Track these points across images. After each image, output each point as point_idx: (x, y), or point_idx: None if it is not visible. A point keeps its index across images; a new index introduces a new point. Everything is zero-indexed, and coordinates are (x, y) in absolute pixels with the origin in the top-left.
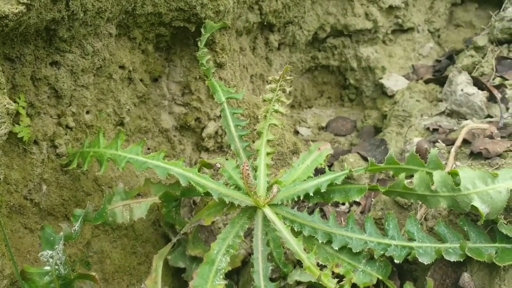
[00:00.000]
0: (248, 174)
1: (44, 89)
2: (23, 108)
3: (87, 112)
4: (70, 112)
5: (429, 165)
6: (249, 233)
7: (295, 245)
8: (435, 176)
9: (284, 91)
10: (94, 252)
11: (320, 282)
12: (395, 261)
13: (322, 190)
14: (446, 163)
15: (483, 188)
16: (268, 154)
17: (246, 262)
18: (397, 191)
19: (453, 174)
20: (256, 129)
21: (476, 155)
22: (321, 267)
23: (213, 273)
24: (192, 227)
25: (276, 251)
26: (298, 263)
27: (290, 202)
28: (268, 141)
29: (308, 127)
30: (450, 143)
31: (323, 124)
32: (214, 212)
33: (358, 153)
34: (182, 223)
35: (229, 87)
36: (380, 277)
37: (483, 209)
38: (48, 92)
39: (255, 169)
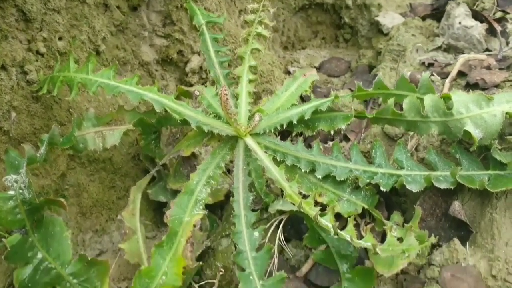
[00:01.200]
0: (227, 99)
1: (11, 11)
2: None
3: (60, 39)
4: (41, 37)
5: (420, 90)
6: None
7: (277, 174)
8: (426, 100)
9: (267, 11)
10: (70, 185)
11: (301, 210)
12: (382, 189)
13: (306, 118)
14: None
15: (477, 112)
16: (250, 81)
17: (230, 196)
18: (386, 117)
19: (446, 98)
20: (237, 55)
21: (472, 86)
22: (305, 197)
23: (192, 203)
24: (172, 158)
25: (257, 181)
26: (281, 192)
27: (273, 131)
28: (250, 67)
29: (300, 67)
30: (446, 76)
31: (316, 65)
32: (194, 142)
33: (350, 89)
34: (162, 157)
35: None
36: (366, 206)
37: (476, 134)
38: (16, 15)
39: (236, 97)
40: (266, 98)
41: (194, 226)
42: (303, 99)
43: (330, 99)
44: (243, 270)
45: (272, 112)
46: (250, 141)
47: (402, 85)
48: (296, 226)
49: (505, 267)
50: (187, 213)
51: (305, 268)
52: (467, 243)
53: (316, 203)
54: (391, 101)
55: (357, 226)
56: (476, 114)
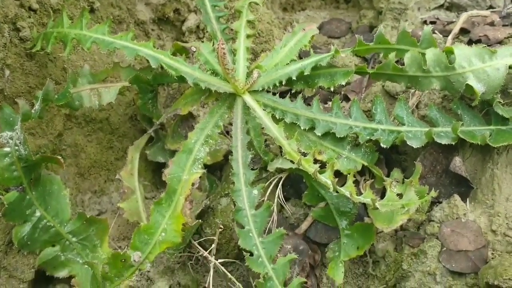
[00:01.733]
0: (224, 54)
1: None
2: None
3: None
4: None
5: (422, 45)
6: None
7: (276, 132)
8: (427, 54)
9: None
10: (68, 146)
11: (300, 168)
12: (382, 145)
13: (306, 73)
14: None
15: (480, 66)
16: (248, 36)
17: (229, 157)
18: (387, 73)
19: (448, 52)
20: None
21: (475, 43)
22: (304, 155)
23: (190, 161)
24: (170, 118)
25: (256, 140)
26: (280, 152)
27: (272, 88)
28: (249, 22)
29: None
30: (448, 34)
31: (317, 26)
32: (191, 101)
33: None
34: (160, 116)
35: None
36: (366, 163)
37: (479, 88)
38: None
39: (234, 52)
40: (265, 54)
41: (193, 184)
42: (301, 57)
43: (330, 54)
44: (242, 227)
45: (270, 68)
46: (248, 99)
47: (403, 39)
48: (295, 185)
49: (505, 222)
50: (186, 172)
51: (304, 226)
52: (468, 199)
53: (316, 161)
54: (392, 55)
55: (356, 183)
56: (479, 68)
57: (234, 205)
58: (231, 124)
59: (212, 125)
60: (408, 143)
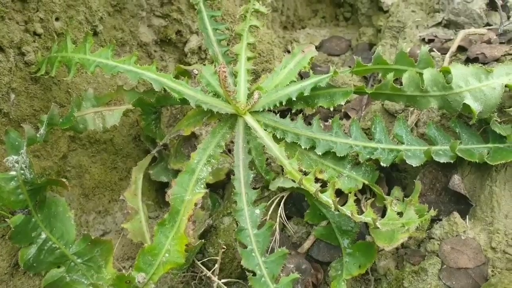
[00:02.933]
0: (226, 77)
1: None
2: None
3: (57, 19)
4: (37, 18)
5: (419, 65)
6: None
7: (277, 151)
8: (425, 74)
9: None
10: (72, 167)
11: (302, 187)
12: (382, 164)
13: (306, 94)
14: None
15: (476, 85)
16: (249, 59)
17: (231, 175)
18: (385, 93)
19: (445, 71)
20: (235, 32)
21: (472, 61)
22: (305, 174)
23: (193, 182)
24: (173, 138)
25: (258, 159)
26: (281, 171)
27: (272, 108)
28: (249, 44)
29: None
30: (446, 51)
31: (317, 44)
32: (194, 122)
33: (350, 67)
34: (163, 137)
35: None
36: (366, 182)
37: (476, 107)
38: None
39: (235, 74)
40: (265, 76)
41: (196, 205)
42: (302, 76)
43: (329, 75)
44: (245, 247)
45: (271, 90)
46: (249, 119)
47: (401, 60)
48: (297, 204)
49: (505, 239)
50: (189, 192)
51: (306, 244)
52: (467, 216)
53: (317, 180)
54: (390, 75)
55: (358, 201)
56: (476, 87)
57: (237, 224)
58: (233, 142)
59: (214, 145)
60: (407, 162)
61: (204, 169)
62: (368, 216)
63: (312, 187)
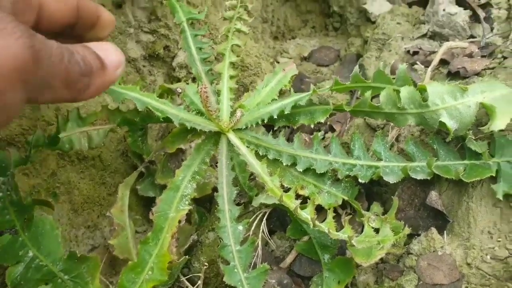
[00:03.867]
0: (207, 97)
1: None
2: None
3: None
4: None
5: (397, 82)
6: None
7: (259, 168)
8: (402, 92)
9: (246, 7)
10: (61, 183)
11: (282, 203)
12: (360, 180)
13: (286, 112)
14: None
15: (452, 103)
16: (231, 77)
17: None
18: (364, 110)
19: (422, 90)
20: (218, 52)
21: (453, 75)
22: (287, 190)
23: (177, 198)
24: (158, 154)
25: (241, 175)
26: (264, 187)
27: (254, 126)
28: (231, 63)
29: (290, 58)
30: (429, 64)
31: (306, 55)
32: (178, 139)
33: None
34: (150, 153)
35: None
36: (346, 198)
37: (452, 124)
38: None
39: (218, 93)
40: (248, 94)
41: (180, 222)
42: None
43: (309, 94)
44: (227, 263)
45: (253, 108)
46: (232, 137)
47: (379, 78)
48: (281, 218)
49: (480, 255)
50: (173, 209)
51: (289, 259)
52: (445, 231)
53: (298, 196)
54: (368, 94)
55: (338, 217)
56: (451, 106)
57: (220, 240)
58: (215, 156)
59: (199, 162)
60: (385, 178)
61: (189, 185)
62: (346, 233)
63: (292, 203)
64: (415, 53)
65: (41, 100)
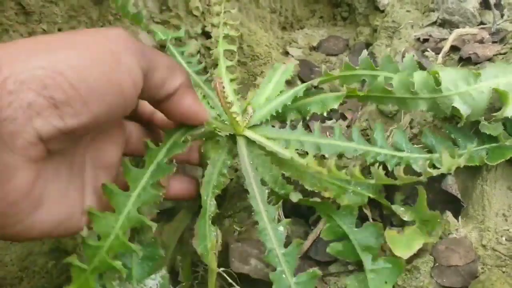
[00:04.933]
0: (223, 87)
1: (11, 4)
2: None
3: (59, 30)
4: (40, 29)
5: (405, 70)
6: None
7: (290, 153)
8: (416, 77)
9: (229, 12)
10: None
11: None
12: (389, 167)
13: (299, 96)
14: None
15: (465, 89)
16: (231, 80)
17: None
18: (375, 95)
19: (434, 75)
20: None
21: (465, 61)
22: (311, 192)
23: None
24: None
25: (268, 175)
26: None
27: (269, 121)
28: (228, 67)
29: (299, 48)
30: (440, 51)
31: (315, 44)
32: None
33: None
34: None
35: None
36: (372, 196)
37: (464, 110)
38: (15, 9)
39: None
40: (252, 92)
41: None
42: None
43: (323, 77)
44: (274, 269)
45: (263, 103)
46: (250, 134)
47: (386, 65)
48: (295, 204)
49: (495, 237)
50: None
51: (305, 246)
52: (460, 215)
53: (323, 198)
54: (380, 79)
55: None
56: (465, 91)
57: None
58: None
59: (216, 175)
60: (413, 167)
61: (212, 203)
62: None
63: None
64: (425, 40)
65: None
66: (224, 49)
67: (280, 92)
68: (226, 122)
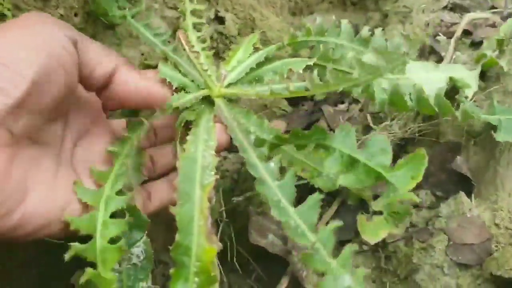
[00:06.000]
0: (187, 36)
1: None
2: (9, 10)
3: (75, 15)
4: (58, 14)
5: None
6: None
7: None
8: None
9: None
10: None
11: None
12: None
13: (273, 52)
14: (445, 54)
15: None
16: (203, 49)
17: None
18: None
19: None
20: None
21: (477, 44)
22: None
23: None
24: None
25: (253, 125)
26: None
27: (243, 81)
28: (198, 37)
29: None
30: (452, 35)
31: None
32: None
33: None
34: None
35: None
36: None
37: None
38: None
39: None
40: (223, 62)
41: (209, 200)
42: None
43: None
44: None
45: (235, 66)
46: (227, 91)
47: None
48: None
49: (508, 216)
50: (196, 189)
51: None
52: (472, 195)
53: (300, 178)
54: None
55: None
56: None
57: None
58: None
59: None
60: None
61: (206, 154)
62: None
63: None
64: (437, 25)
65: None
66: (193, 22)
67: (250, 55)
68: (201, 87)
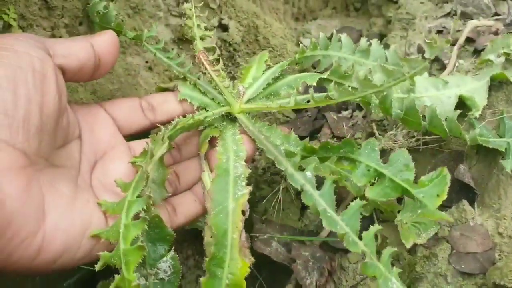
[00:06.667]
0: (207, 57)
1: (34, 0)
2: (14, 20)
3: (80, 24)
4: (62, 23)
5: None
6: None
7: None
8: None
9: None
10: None
11: None
12: None
13: (285, 67)
14: (448, 62)
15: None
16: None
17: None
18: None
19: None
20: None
21: (480, 52)
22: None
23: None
24: None
25: (278, 137)
26: None
27: (261, 96)
28: (215, 60)
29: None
30: (455, 43)
31: (328, 35)
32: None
33: None
34: None
35: None
36: None
37: None
38: (39, 4)
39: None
40: (239, 78)
41: (244, 212)
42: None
43: (309, 47)
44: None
45: (251, 82)
46: (247, 106)
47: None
48: None
49: (511, 225)
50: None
51: (323, 233)
52: (475, 203)
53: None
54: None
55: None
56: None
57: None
58: None
59: (231, 141)
60: None
61: (238, 165)
62: None
63: None
64: (439, 32)
65: None
66: (204, 46)
67: (264, 71)
68: (222, 105)
